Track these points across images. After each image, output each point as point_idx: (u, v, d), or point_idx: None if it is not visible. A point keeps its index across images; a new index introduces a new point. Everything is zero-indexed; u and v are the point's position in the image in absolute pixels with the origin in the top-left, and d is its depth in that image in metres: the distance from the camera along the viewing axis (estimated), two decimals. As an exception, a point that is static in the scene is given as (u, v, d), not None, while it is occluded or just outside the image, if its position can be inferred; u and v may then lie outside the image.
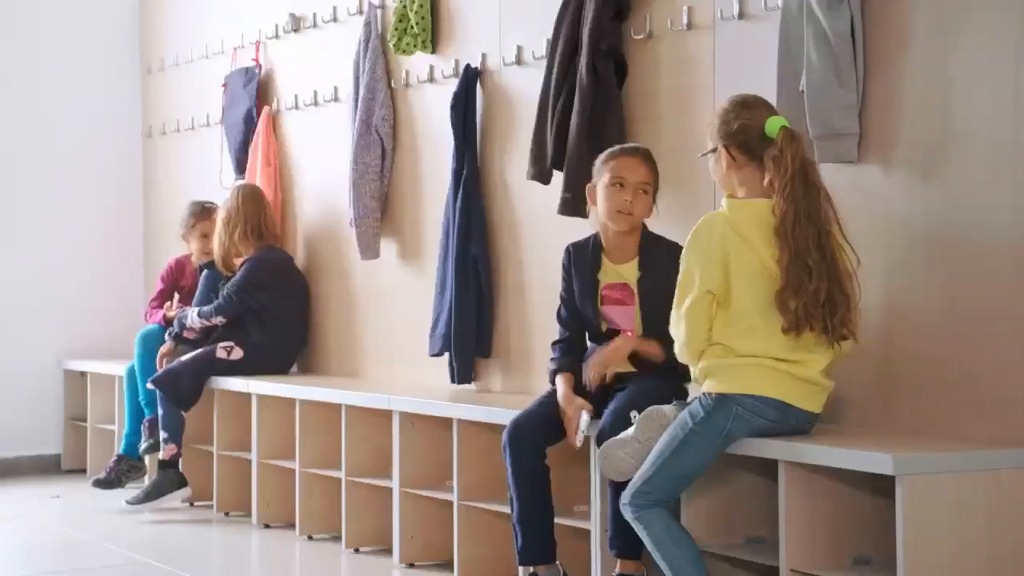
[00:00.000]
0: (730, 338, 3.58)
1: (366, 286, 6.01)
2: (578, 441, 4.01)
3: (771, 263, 3.55)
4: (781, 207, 3.51)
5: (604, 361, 4.06)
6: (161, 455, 6.08)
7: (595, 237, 4.23)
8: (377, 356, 5.96)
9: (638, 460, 3.73)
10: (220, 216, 6.21)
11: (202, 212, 6.51)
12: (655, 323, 4.04)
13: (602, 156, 4.20)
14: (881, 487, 3.58)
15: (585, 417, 4.00)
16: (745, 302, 3.56)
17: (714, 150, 3.70)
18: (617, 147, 4.22)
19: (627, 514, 3.66)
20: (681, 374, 3.93)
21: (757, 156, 3.60)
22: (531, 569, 4.10)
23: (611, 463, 3.76)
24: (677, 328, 3.67)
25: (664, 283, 3.99)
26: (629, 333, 4.12)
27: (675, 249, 4.01)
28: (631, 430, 3.77)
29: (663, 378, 4.00)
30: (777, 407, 3.56)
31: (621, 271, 4.15)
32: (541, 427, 4.08)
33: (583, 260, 4.21)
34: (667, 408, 3.74)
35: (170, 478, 6.08)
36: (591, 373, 4.07)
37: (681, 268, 3.65)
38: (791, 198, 3.51)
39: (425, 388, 5.34)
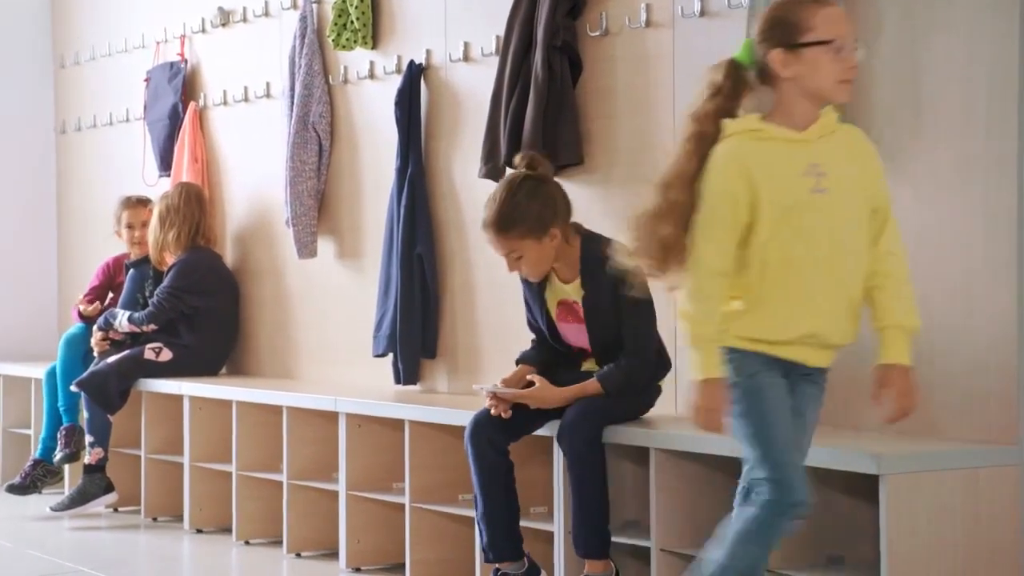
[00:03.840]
0: None
1: (300, 286, 5.90)
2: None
3: None
4: None
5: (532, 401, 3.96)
6: (87, 459, 5.91)
7: None
8: (312, 357, 5.85)
9: None
10: (158, 210, 6.06)
11: (127, 203, 6.34)
12: (603, 344, 3.96)
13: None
14: (853, 486, 3.59)
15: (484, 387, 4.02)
16: None
17: None
18: None
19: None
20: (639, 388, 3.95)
21: None
22: (497, 566, 4.02)
23: None
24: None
25: (605, 302, 3.90)
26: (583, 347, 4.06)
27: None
28: None
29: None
30: None
31: (568, 289, 4.01)
32: (502, 424, 4.00)
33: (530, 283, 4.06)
34: None
35: (96, 483, 5.91)
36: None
37: None
38: None
39: (368, 389, 5.25)
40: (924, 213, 3.65)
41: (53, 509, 5.93)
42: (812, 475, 3.50)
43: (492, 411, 3.97)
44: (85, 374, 5.94)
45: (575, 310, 4.01)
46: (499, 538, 4.00)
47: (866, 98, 3.77)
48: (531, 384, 4.00)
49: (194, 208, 6.06)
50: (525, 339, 4.79)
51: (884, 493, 3.22)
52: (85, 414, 5.94)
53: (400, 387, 5.21)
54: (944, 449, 3.39)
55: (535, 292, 4.06)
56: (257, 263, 6.15)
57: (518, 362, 4.15)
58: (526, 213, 3.87)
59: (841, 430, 3.78)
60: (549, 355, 4.13)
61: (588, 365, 4.08)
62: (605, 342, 3.97)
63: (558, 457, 4.01)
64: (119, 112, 7.03)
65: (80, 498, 5.90)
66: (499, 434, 4.02)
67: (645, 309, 3.93)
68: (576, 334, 4.03)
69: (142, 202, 6.32)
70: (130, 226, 6.28)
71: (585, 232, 4.01)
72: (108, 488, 5.93)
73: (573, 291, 4.00)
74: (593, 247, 3.95)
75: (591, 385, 3.94)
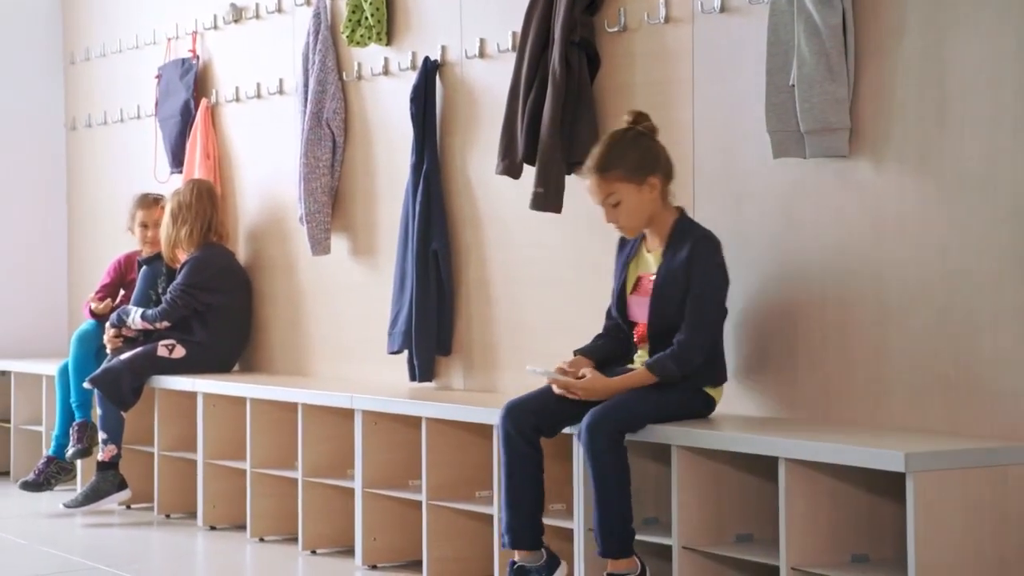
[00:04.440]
0: None
1: (313, 283, 5.89)
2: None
3: None
4: None
5: (581, 391, 3.94)
6: (100, 456, 5.90)
7: None
8: (324, 354, 5.83)
9: None
10: (170, 207, 6.04)
11: (142, 201, 6.33)
12: (662, 319, 3.95)
13: None
14: (877, 484, 3.58)
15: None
16: None
17: None
18: None
19: None
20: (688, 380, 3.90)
21: None
22: (513, 559, 3.99)
23: None
24: None
25: (677, 279, 3.92)
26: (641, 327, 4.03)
27: (701, 242, 3.92)
28: None
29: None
30: None
31: (650, 260, 4.03)
32: (538, 412, 3.96)
33: (625, 247, 4.10)
34: None
35: (109, 480, 5.90)
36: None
37: None
38: None
39: (383, 386, 5.24)
40: (951, 211, 3.63)
41: (67, 506, 5.92)
42: (833, 472, 3.51)
43: (556, 391, 3.94)
44: (98, 371, 5.93)
45: (648, 283, 4.01)
46: (518, 524, 3.96)
47: (891, 97, 3.76)
48: (582, 377, 3.96)
49: (206, 204, 6.04)
50: (540, 335, 4.81)
51: (911, 491, 3.19)
52: (98, 411, 5.92)
53: (415, 384, 5.19)
54: (971, 447, 3.36)
55: (623, 259, 4.09)
56: (270, 260, 6.13)
57: (575, 353, 4.11)
58: (626, 156, 3.95)
59: (866, 428, 3.76)
60: (608, 349, 4.09)
61: (639, 359, 4.04)
62: (662, 321, 3.93)
63: (578, 454, 3.99)
64: (130, 108, 7.01)
65: (93, 495, 5.89)
66: (532, 423, 3.97)
67: (714, 297, 3.92)
68: (641, 308, 4.01)
69: (158, 201, 6.30)
70: (144, 225, 6.27)
71: (684, 211, 4.05)
72: (121, 485, 5.92)
73: (654, 261, 4.00)
74: (687, 223, 4.00)
75: (640, 374, 3.91)
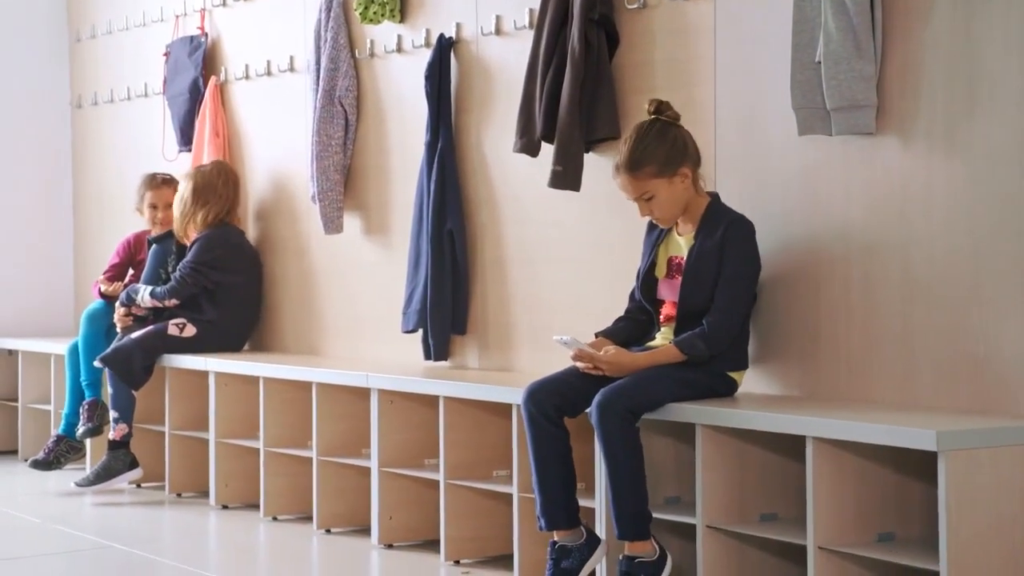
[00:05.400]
0: None
1: (324, 262, 5.86)
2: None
3: None
4: None
5: (606, 366, 3.91)
6: (112, 435, 5.88)
7: None
8: (336, 333, 5.81)
9: None
10: (192, 183, 5.99)
11: (151, 182, 6.30)
12: (691, 300, 3.93)
13: None
14: (904, 463, 3.56)
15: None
16: None
17: None
18: None
19: None
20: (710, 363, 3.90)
21: None
22: (553, 539, 3.98)
23: None
24: None
25: (709, 261, 3.90)
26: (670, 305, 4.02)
27: (735, 225, 3.91)
28: None
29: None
30: None
31: (681, 243, 4.01)
32: (560, 393, 3.94)
33: (655, 229, 4.08)
34: None
35: (121, 459, 5.88)
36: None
37: None
38: None
39: (397, 365, 5.21)
40: (980, 190, 3.61)
41: (78, 484, 5.90)
42: (859, 451, 3.49)
43: (581, 367, 3.92)
44: (108, 350, 5.91)
45: (679, 265, 3.99)
46: (551, 506, 3.94)
47: (918, 74, 3.73)
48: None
49: (230, 190, 6.03)
50: (557, 314, 4.79)
51: (943, 470, 3.18)
52: (109, 390, 5.90)
53: (430, 363, 5.17)
54: (1003, 425, 3.34)
55: (652, 241, 4.08)
56: (281, 239, 6.10)
57: (597, 335, 4.09)
58: (655, 152, 3.92)
59: (896, 407, 3.74)
60: (629, 331, 4.08)
61: (661, 338, 4.02)
62: (692, 302, 3.92)
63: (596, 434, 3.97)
64: (137, 86, 6.97)
65: (105, 474, 5.87)
66: (555, 406, 3.95)
67: (746, 281, 3.92)
68: (670, 288, 4.00)
69: (167, 182, 6.26)
70: (153, 206, 6.23)
71: (717, 196, 4.04)
72: (133, 464, 5.90)
73: (685, 244, 3.99)
74: (720, 206, 3.98)
75: (667, 350, 3.89)
